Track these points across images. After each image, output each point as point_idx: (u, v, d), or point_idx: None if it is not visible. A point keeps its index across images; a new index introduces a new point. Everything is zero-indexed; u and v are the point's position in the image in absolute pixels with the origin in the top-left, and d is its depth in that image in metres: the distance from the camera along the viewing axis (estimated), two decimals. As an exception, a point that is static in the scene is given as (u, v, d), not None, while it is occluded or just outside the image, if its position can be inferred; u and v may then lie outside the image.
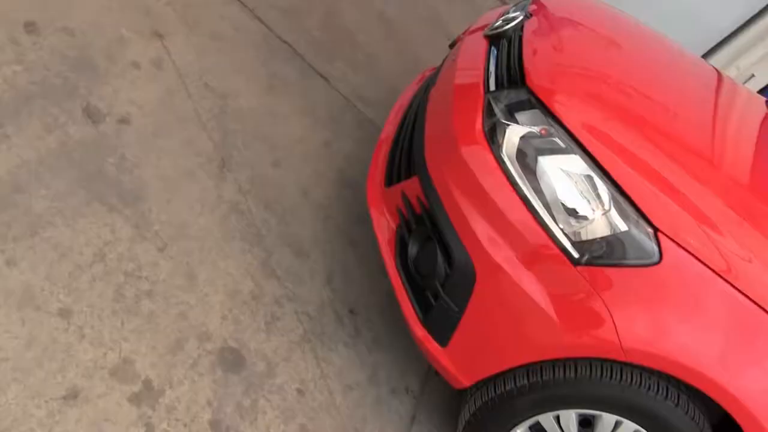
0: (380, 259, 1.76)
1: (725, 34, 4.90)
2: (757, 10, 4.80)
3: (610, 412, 1.59)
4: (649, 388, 1.54)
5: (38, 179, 1.59)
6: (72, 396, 1.35)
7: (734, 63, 4.88)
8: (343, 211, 2.18)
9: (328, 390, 1.74)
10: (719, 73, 2.36)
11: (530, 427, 1.70)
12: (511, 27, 1.91)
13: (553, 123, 1.56)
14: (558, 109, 1.57)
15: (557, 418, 1.64)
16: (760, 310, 1.44)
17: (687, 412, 1.54)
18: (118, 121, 1.84)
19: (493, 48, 1.90)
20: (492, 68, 1.80)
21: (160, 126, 1.92)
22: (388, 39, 3.10)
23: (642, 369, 1.51)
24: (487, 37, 1.96)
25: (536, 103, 1.61)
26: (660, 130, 1.69)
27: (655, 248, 1.43)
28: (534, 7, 2.11)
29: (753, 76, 4.84)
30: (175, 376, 1.50)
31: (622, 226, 1.44)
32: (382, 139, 2.06)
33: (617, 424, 1.61)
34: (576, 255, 1.47)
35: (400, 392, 1.91)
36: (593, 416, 1.63)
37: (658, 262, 1.43)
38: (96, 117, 1.80)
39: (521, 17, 1.95)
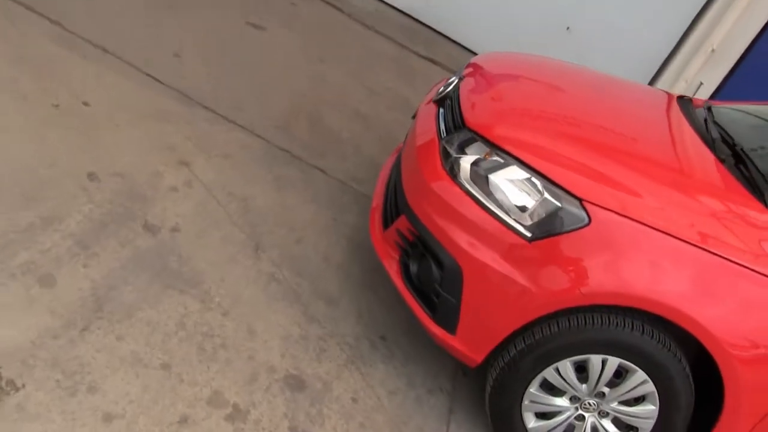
0: (395, 290, 2.27)
1: (665, 55, 5.54)
2: (686, 26, 5.46)
3: (595, 353, 2.05)
4: (624, 326, 2.01)
5: (123, 279, 2.14)
6: (183, 421, 1.84)
7: (681, 77, 5.48)
8: (359, 266, 2.71)
9: (375, 396, 2.21)
10: (641, 87, 2.94)
11: (541, 385, 2.15)
12: (451, 89, 2.52)
13: (491, 147, 2.13)
14: (492, 136, 2.14)
15: (557, 371, 2.10)
16: (679, 241, 1.94)
17: (664, 345, 1.99)
18: (171, 230, 2.42)
19: (441, 109, 2.50)
20: (442, 123, 2.40)
21: (202, 228, 2.49)
22: (367, 130, 3.73)
23: (613, 310, 1.98)
24: (435, 102, 2.57)
25: (477, 137, 2.18)
26: (582, 135, 2.26)
27: (584, 214, 1.95)
28: (470, 69, 2.73)
29: (702, 84, 5.42)
30: (256, 399, 1.99)
31: (556, 204, 1.97)
32: (374, 207, 2.61)
33: (604, 362, 2.06)
34: (529, 235, 1.99)
35: (436, 391, 2.36)
36: (585, 361, 2.08)
37: (589, 223, 1.95)
38: (154, 230, 2.38)
39: (456, 80, 2.57)
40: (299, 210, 2.86)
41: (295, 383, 2.11)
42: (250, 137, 3.16)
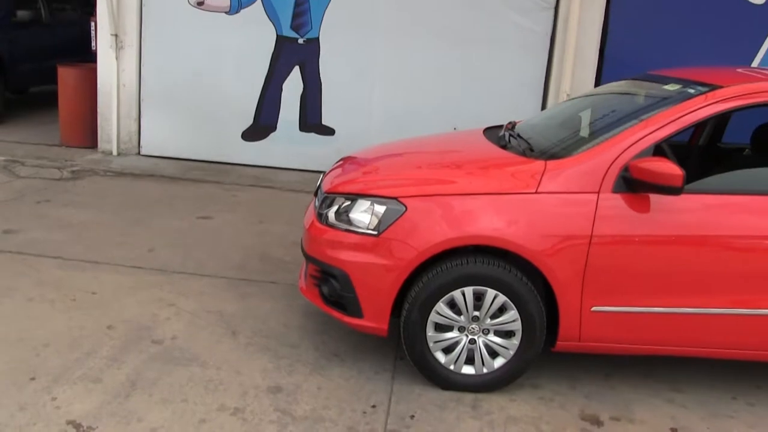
0: (327, 317, 3.42)
1: (543, 80, 7.00)
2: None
3: (455, 289, 3.15)
4: (460, 263, 3.13)
5: (147, 368, 3.30)
6: (202, 421, 2.93)
7: (561, 92, 6.86)
8: (311, 323, 3.84)
9: (335, 384, 3.27)
10: (464, 132, 4.25)
11: (434, 328, 3.23)
12: (320, 179, 3.85)
13: (344, 196, 3.40)
14: (343, 189, 3.43)
15: (437, 312, 3.19)
16: (472, 195, 3.16)
17: (494, 264, 3.12)
18: (171, 339, 3.59)
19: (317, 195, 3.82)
20: (316, 201, 3.69)
21: (192, 333, 3.66)
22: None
23: (447, 256, 3.12)
24: (314, 193, 3.89)
25: (331, 195, 3.47)
26: (405, 165, 3.56)
27: (402, 206, 3.20)
28: (341, 161, 4.06)
29: (568, 95, 6.80)
30: (248, 401, 3.06)
31: (383, 207, 3.22)
32: (299, 276, 3.82)
33: (464, 294, 3.16)
34: (375, 233, 3.21)
35: (381, 371, 3.42)
36: (451, 298, 3.19)
37: (407, 209, 3.19)
38: (159, 341, 3.56)
39: (327, 171, 3.90)
40: (260, 307, 4.05)
41: (275, 388, 3.21)
42: (216, 279, 4.43)
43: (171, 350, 3.48)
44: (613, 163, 3.13)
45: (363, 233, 3.23)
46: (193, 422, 2.92)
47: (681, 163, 3.10)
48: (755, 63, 6.93)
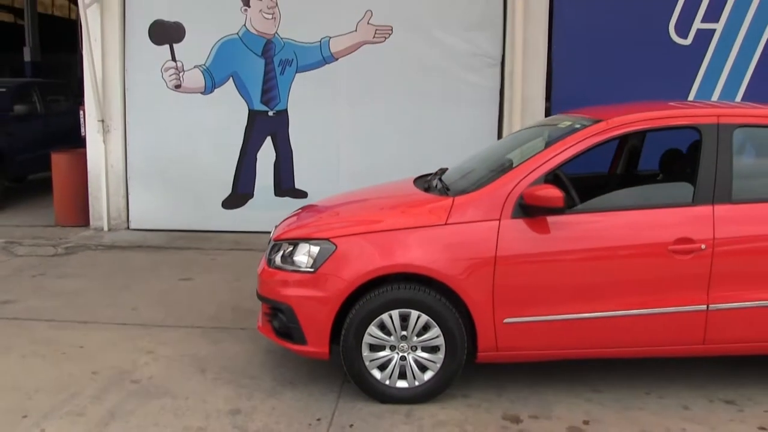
0: (285, 352, 4.01)
1: (496, 130, 7.62)
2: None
3: (383, 313, 3.75)
4: (387, 289, 3.74)
5: (127, 401, 3.88)
6: None
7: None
8: (273, 359, 4.41)
9: (286, 405, 3.84)
10: (398, 181, 4.89)
11: (369, 348, 3.82)
12: (273, 230, 4.49)
13: (288, 242, 4.04)
14: (286, 236, 4.07)
15: (370, 334, 3.79)
16: (392, 231, 3.79)
17: (415, 289, 3.73)
18: (148, 378, 4.17)
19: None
20: (268, 250, 4.32)
21: (167, 374, 4.23)
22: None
23: (374, 285, 3.73)
24: (268, 242, 4.53)
25: (278, 243, 4.11)
26: (343, 212, 4.20)
27: (333, 245, 3.83)
28: (299, 210, 4.70)
29: None
30: (211, 423, 3.64)
31: (317, 248, 3.85)
32: (258, 317, 4.43)
33: (391, 316, 3.75)
34: (312, 270, 3.83)
35: (328, 393, 3.99)
36: (381, 320, 3.78)
37: (337, 248, 3.82)
38: (138, 381, 4.14)
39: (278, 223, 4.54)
40: (229, 349, 4.63)
41: (234, 410, 3.77)
42: (192, 329, 5.03)
43: (147, 387, 4.06)
44: (510, 193, 3.75)
45: (303, 271, 3.85)
46: (161, 441, 3.47)
47: (593, 189, 3.74)
48: (691, 97, 7.61)
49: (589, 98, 7.48)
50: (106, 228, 8.11)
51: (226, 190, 8.05)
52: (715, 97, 7.62)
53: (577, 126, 4.03)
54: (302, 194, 7.88)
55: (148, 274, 6.43)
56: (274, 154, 7.97)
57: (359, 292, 3.78)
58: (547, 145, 3.96)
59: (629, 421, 3.73)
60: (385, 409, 3.80)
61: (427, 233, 3.76)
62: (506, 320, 3.75)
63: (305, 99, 7.80)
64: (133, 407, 3.81)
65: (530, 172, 3.77)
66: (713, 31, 7.55)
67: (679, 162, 4.59)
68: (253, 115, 7.89)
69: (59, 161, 8.28)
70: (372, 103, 7.77)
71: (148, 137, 7.99)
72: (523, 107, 7.55)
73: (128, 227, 8.20)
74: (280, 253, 4.00)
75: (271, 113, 7.88)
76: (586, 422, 3.72)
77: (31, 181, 11.18)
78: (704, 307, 3.79)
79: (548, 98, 7.76)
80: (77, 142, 8.58)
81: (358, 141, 7.85)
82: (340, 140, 7.86)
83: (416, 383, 3.84)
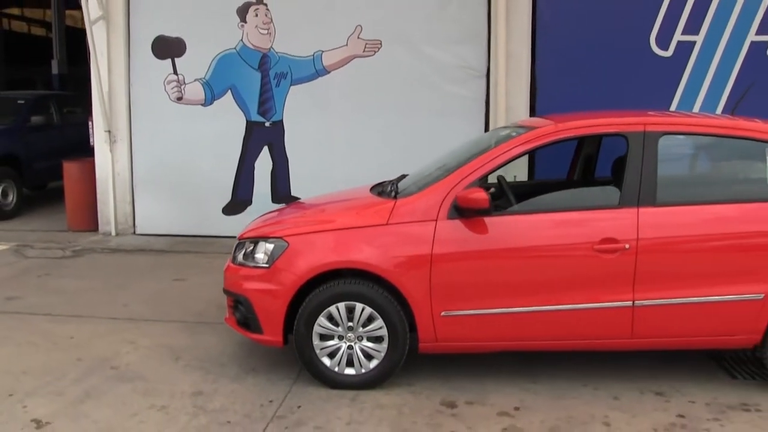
0: (255, 344, 4.48)
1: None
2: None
3: (330, 305, 4.19)
4: (333, 284, 4.19)
5: (106, 385, 4.37)
6: (155, 408, 3.98)
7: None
8: (243, 351, 4.88)
9: (247, 389, 4.30)
10: (357, 188, 5.34)
11: (319, 337, 4.26)
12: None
13: (249, 240, 4.51)
14: (248, 235, 4.54)
15: (320, 325, 4.23)
16: (338, 230, 4.25)
17: (381, 293, 4.14)
18: (126, 365, 4.67)
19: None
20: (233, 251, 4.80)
21: (145, 361, 4.73)
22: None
23: (320, 280, 4.18)
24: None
25: (241, 241, 4.58)
26: (307, 217, 4.65)
27: (285, 242, 4.28)
28: (268, 213, 5.17)
29: None
30: (175, 401, 4.10)
31: (272, 245, 4.31)
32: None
33: (338, 308, 4.19)
34: (268, 266, 4.29)
35: (286, 378, 4.41)
36: (329, 312, 4.23)
37: (289, 245, 4.28)
38: (117, 368, 4.64)
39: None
40: (206, 341, 5.10)
41: (198, 393, 4.23)
42: (175, 323, 5.51)
43: (124, 372, 4.55)
44: (447, 195, 4.16)
45: (260, 267, 4.31)
46: (126, 416, 3.95)
47: (539, 193, 4.27)
48: (673, 107, 7.92)
49: (571, 109, 7.85)
50: (113, 233, 8.68)
51: (226, 197, 8.56)
52: (696, 108, 7.91)
53: (513, 134, 4.42)
54: (298, 200, 8.34)
55: (146, 275, 6.95)
56: (271, 163, 8.45)
57: (310, 285, 4.20)
58: (484, 152, 4.35)
59: (558, 409, 4.08)
60: (333, 394, 4.22)
61: (370, 232, 4.18)
62: (443, 313, 4.14)
63: (300, 110, 8.29)
64: (107, 389, 4.29)
65: (464, 177, 4.17)
66: (693, 43, 7.84)
67: (620, 168, 4.95)
68: (250, 125, 8.40)
69: (70, 170, 8.89)
70: (363, 113, 8.21)
71: (153, 147, 8.55)
72: (508, 118, 7.90)
73: (134, 232, 8.76)
74: (243, 251, 4.46)
75: (267, 124, 8.39)
76: (516, 408, 4.08)
77: (50, 189, 11.86)
78: (630, 303, 4.12)
79: (533, 109, 8.13)
80: (92, 152, 9.17)
81: (351, 150, 8.30)
82: (334, 149, 8.32)
83: (363, 370, 4.25)
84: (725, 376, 4.54)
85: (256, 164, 8.49)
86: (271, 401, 4.13)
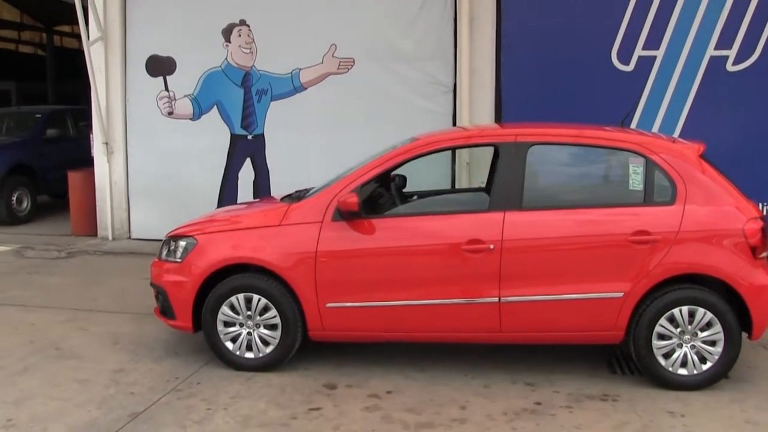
0: (186, 334, 5.30)
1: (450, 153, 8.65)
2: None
3: (231, 296, 4.97)
4: (251, 277, 4.97)
5: (60, 364, 5.26)
6: (83, 383, 4.83)
7: (463, 162, 8.49)
8: (173, 338, 5.70)
9: (164, 369, 5.11)
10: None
11: (223, 324, 5.03)
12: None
13: (172, 239, 5.33)
14: (170, 235, 5.35)
15: (223, 313, 5.01)
16: (239, 230, 5.04)
17: (274, 285, 4.88)
18: (71, 349, 5.56)
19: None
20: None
21: (91, 346, 5.61)
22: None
23: (223, 273, 4.95)
24: (174, 243, 5.85)
25: (168, 239, 5.40)
26: (224, 218, 5.45)
27: (195, 240, 5.09)
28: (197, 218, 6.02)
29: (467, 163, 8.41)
30: (104, 377, 4.95)
31: (185, 242, 5.11)
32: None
33: (237, 299, 4.96)
34: (180, 260, 5.10)
35: (200, 361, 5.20)
36: (232, 302, 5.00)
37: (198, 242, 5.08)
38: (65, 351, 5.53)
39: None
40: (148, 329, 5.89)
41: (119, 370, 5.05)
42: (128, 314, 6.36)
43: (65, 353, 5.42)
44: (332, 200, 4.87)
45: (175, 261, 5.12)
46: (50, 386, 4.78)
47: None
48: (635, 119, 8.39)
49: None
50: (110, 237, 9.67)
51: (212, 205, 9.42)
52: (657, 120, 8.38)
53: (398, 144, 5.11)
54: (275, 209, 9.16)
55: (123, 275, 7.88)
56: (253, 174, 9.31)
57: (219, 278, 4.96)
58: (369, 161, 5.06)
59: (425, 393, 4.68)
60: (233, 374, 4.97)
61: (265, 232, 4.94)
62: (328, 305, 4.84)
63: (279, 124, 9.13)
64: (44, 365, 5.16)
65: (348, 184, 4.88)
66: (654, 57, 8.33)
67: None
68: (234, 138, 9.29)
69: (74, 179, 9.97)
70: (338, 127, 8.97)
71: (146, 158, 9.53)
72: (474, 131, 8.53)
73: (129, 237, 9.74)
74: (167, 248, 5.28)
75: (250, 137, 9.25)
76: (389, 392, 4.71)
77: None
78: (496, 299, 4.73)
79: (499, 122, 8.74)
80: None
81: (327, 161, 8.97)
82: (310, 160, 9.09)
83: (260, 354, 4.98)
84: (605, 372, 5.04)
85: (240, 174, 9.35)
86: (177, 378, 4.91)
